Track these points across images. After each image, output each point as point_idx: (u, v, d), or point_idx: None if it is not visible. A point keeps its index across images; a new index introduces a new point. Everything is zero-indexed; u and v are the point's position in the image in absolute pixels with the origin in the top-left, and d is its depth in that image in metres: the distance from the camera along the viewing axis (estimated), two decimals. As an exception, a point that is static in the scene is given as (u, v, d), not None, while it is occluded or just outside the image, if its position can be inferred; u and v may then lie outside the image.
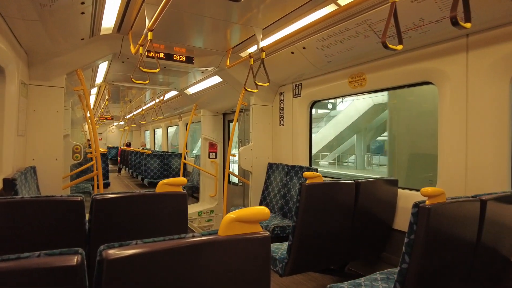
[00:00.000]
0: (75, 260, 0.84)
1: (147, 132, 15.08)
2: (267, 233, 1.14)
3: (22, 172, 2.71)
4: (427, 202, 1.65)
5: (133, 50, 3.19)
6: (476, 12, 2.12)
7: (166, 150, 11.18)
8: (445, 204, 1.70)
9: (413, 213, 1.66)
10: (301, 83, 4.23)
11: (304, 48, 3.36)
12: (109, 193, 1.89)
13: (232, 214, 1.10)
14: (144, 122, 11.61)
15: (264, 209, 1.13)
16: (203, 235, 1.05)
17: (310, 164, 4.31)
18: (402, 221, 2.97)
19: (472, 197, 1.91)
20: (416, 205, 1.65)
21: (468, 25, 1.54)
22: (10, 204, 1.69)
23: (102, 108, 9.06)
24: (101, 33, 3.28)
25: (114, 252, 0.92)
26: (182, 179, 1.99)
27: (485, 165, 2.37)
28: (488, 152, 2.35)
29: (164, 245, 0.98)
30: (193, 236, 1.03)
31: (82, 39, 3.19)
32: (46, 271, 0.82)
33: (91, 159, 4.94)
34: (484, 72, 2.36)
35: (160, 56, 3.83)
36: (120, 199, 1.88)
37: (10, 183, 2.42)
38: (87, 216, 1.86)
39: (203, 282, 1.05)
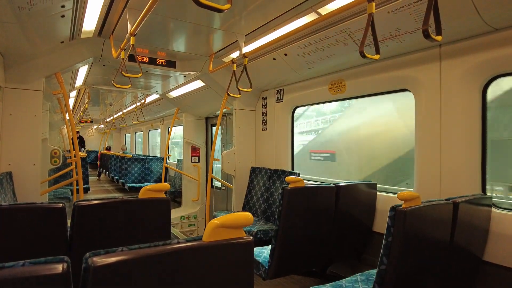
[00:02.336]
0: (60, 268, 0.84)
1: (127, 136, 14.82)
2: (251, 238, 1.17)
3: None
4: (403, 206, 1.72)
5: (114, 54, 3.16)
6: (447, 25, 2.24)
7: (147, 154, 11.03)
8: (421, 207, 1.78)
9: (390, 216, 1.73)
10: (283, 89, 4.29)
11: (285, 54, 3.42)
12: (92, 200, 1.87)
13: (216, 220, 1.12)
14: (124, 126, 11.42)
15: (248, 215, 1.16)
16: (187, 241, 1.07)
17: (293, 168, 4.38)
18: (381, 223, 3.06)
19: (446, 200, 2.01)
20: (393, 209, 1.72)
21: (439, 38, 1.64)
22: None
23: (82, 112, 8.86)
24: (82, 36, 3.23)
25: (100, 259, 0.92)
26: (165, 185, 1.99)
27: (457, 169, 2.49)
28: (461, 157, 2.47)
29: (149, 251, 0.99)
30: (178, 242, 1.05)
31: (62, 42, 3.13)
32: (31, 280, 0.82)
33: (70, 163, 4.82)
34: (456, 81, 2.48)
35: (143, 60, 3.81)
36: (102, 205, 1.86)
37: None
38: (68, 223, 1.83)
39: (189, 286, 1.07)
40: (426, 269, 1.93)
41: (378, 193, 3.11)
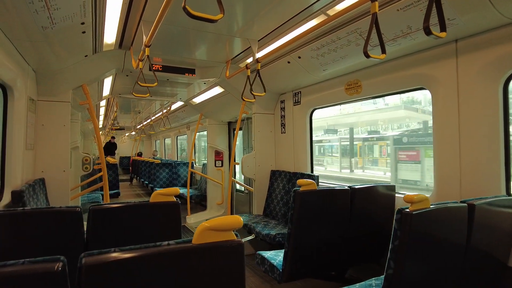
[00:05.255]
0: (55, 266, 0.92)
1: (157, 142, 15.34)
2: (241, 241, 1.20)
3: (30, 185, 2.84)
4: (410, 208, 1.67)
5: (134, 64, 3.32)
6: (461, 19, 2.16)
7: (176, 159, 11.36)
8: (430, 210, 1.72)
9: (396, 219, 1.69)
10: (300, 91, 4.29)
11: (299, 57, 3.42)
12: (106, 204, 1.98)
13: (206, 223, 1.16)
14: (153, 132, 11.84)
15: (237, 218, 1.19)
16: (177, 243, 1.12)
17: (312, 171, 4.34)
18: None
19: (461, 202, 1.92)
20: (399, 211, 1.68)
21: (443, 34, 1.58)
22: (12, 216, 1.80)
23: (112, 119, 9.31)
24: (104, 49, 3.42)
25: (92, 259, 0.99)
26: (174, 189, 2.07)
27: (478, 170, 2.37)
28: (481, 157, 2.35)
29: (140, 252, 1.05)
30: (168, 244, 1.10)
31: (86, 56, 3.34)
32: (29, 277, 0.90)
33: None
34: (474, 77, 2.37)
35: (161, 68, 3.96)
36: (115, 209, 1.97)
37: (18, 195, 2.55)
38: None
39: (178, 287, 1.12)
40: (439, 274, 1.85)
41: (396, 195, 3.01)
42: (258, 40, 3.31)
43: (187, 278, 1.12)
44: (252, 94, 3.36)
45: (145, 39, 2.74)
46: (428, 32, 1.52)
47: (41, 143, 3.38)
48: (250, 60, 3.91)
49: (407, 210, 1.66)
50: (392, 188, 3.00)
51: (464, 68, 2.43)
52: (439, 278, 1.87)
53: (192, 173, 7.62)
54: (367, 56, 1.86)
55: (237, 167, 5.81)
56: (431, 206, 1.74)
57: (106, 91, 4.96)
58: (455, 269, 1.91)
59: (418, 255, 1.71)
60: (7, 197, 2.63)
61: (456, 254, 1.88)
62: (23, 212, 1.79)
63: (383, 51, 1.94)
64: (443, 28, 1.61)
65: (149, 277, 1.05)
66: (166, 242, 1.10)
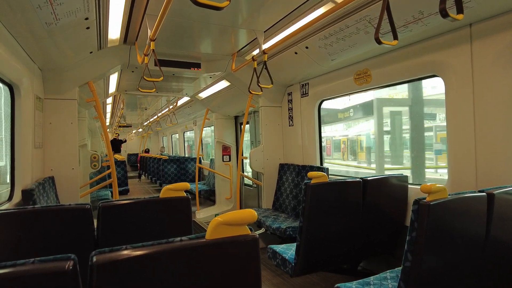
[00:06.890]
0: (66, 265, 0.89)
1: (165, 138, 15.39)
2: (256, 235, 1.16)
3: (40, 183, 2.84)
4: (427, 199, 1.62)
5: (139, 59, 3.29)
6: (476, 1, 2.07)
7: (183, 155, 11.38)
8: (447, 200, 1.66)
9: (414, 210, 1.63)
10: (308, 83, 4.22)
11: (307, 47, 3.35)
12: (116, 200, 1.96)
13: (220, 218, 1.13)
14: (159, 129, 11.87)
15: (251, 212, 1.15)
16: (190, 239, 1.09)
17: (321, 163, 4.29)
18: None
19: (479, 191, 1.86)
20: (416, 202, 1.63)
21: (460, 16, 1.51)
22: (23, 214, 1.79)
23: (119, 117, 9.32)
24: (109, 45, 3.39)
25: (104, 257, 0.96)
26: (185, 184, 2.04)
27: (495, 160, 2.29)
28: (498, 146, 2.28)
29: (152, 249, 1.02)
30: (181, 240, 1.07)
31: (91, 52, 3.31)
32: (40, 277, 0.87)
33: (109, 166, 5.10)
34: (489, 62, 2.29)
35: (168, 62, 3.92)
36: (125, 206, 1.94)
37: (28, 194, 2.55)
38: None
39: (193, 284, 1.09)
40: (458, 266, 1.80)
41: (409, 186, 2.95)
42: (264, 31, 3.25)
43: (202, 274, 1.09)
44: (260, 86, 3.31)
45: (149, 33, 2.70)
46: (444, 14, 1.45)
47: (49, 141, 3.38)
48: (256, 52, 3.84)
49: (425, 200, 1.61)
50: (404, 179, 2.94)
51: (479, 53, 2.34)
52: (458, 270, 1.81)
53: (200, 168, 7.61)
54: (379, 42, 1.80)
55: (245, 161, 5.78)
56: (448, 196, 1.68)
57: (112, 88, 4.94)
58: (474, 261, 1.85)
59: (436, 247, 1.66)
60: (17, 196, 2.63)
61: (475, 246, 1.82)
62: (33, 210, 1.78)
63: (395, 37, 1.87)
64: (459, 10, 1.54)
65: (162, 274, 1.03)
66: (179, 238, 1.07)
